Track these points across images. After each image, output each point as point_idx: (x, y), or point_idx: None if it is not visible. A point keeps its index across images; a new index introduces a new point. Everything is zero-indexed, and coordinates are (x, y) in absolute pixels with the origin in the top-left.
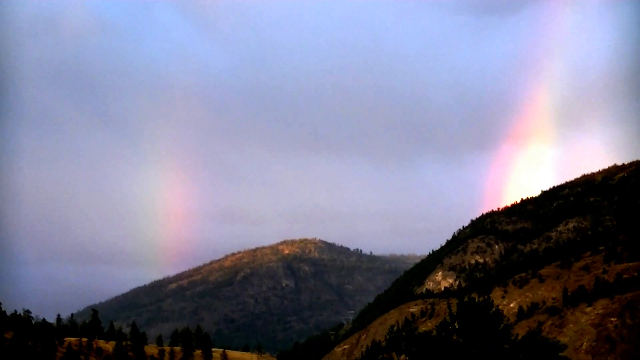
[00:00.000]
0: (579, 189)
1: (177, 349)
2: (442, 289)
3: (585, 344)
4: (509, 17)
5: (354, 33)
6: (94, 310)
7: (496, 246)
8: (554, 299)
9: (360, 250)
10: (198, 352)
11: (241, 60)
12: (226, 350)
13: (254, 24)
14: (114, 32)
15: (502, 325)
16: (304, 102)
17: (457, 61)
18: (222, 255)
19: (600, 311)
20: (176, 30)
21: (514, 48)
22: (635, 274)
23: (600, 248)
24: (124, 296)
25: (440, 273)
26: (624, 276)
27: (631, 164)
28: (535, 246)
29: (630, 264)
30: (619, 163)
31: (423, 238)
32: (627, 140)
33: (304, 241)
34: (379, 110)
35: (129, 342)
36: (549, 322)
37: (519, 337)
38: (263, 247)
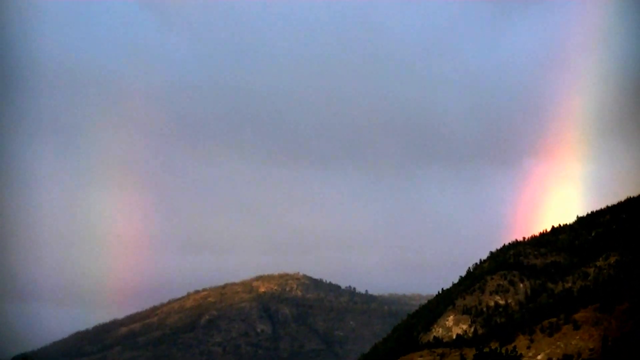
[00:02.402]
0: (624, 215)
1: None
2: (454, 336)
3: None
4: (534, 3)
5: (346, 26)
6: None
7: (521, 284)
8: (591, 349)
9: (354, 289)
10: None
11: (211, 58)
12: None
13: (229, 15)
14: (51, 21)
15: None
16: (287, 107)
17: (470, 58)
18: (183, 294)
19: None
20: (134, 22)
21: (540, 42)
22: None
23: None
24: (63, 342)
25: (451, 317)
26: None
27: None
28: (569, 285)
29: None
30: None
31: (430, 274)
32: None
33: (284, 276)
34: (377, 118)
35: None
36: None
37: None
38: (234, 284)
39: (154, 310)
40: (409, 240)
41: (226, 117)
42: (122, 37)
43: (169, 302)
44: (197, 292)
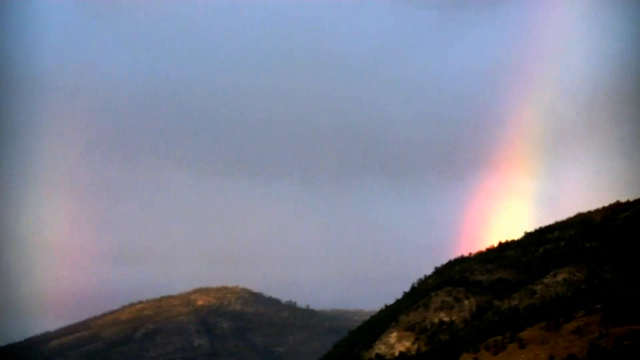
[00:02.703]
0: (572, 232)
1: None
2: (397, 353)
3: None
4: (488, 11)
5: (291, 31)
6: None
7: (466, 301)
8: None
9: (295, 303)
10: None
11: (150, 61)
12: None
13: (169, 18)
14: None
15: None
16: (227, 115)
17: (421, 67)
18: (118, 306)
19: None
20: (68, 22)
21: (494, 52)
22: None
23: (597, 306)
24: None
25: (394, 334)
26: (625, 342)
27: (638, 202)
28: (516, 302)
29: (634, 327)
30: (623, 200)
31: (373, 289)
32: (635, 172)
33: (223, 290)
34: (321, 127)
35: None
36: None
37: None
38: (170, 297)
39: (87, 322)
40: (352, 254)
41: (165, 125)
42: (56, 38)
43: (103, 315)
44: (132, 304)
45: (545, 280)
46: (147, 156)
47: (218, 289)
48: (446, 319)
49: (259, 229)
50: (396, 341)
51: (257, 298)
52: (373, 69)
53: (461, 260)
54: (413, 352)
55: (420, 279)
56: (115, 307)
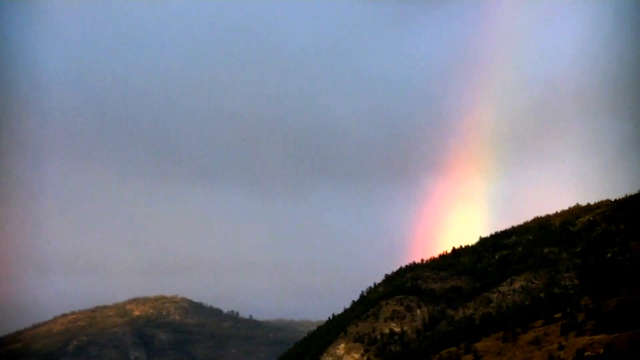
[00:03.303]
0: (530, 237)
1: None
2: None
3: None
4: (439, 6)
5: (228, 26)
6: None
7: (418, 310)
8: None
9: (237, 313)
10: None
11: (83, 63)
12: None
13: (94, 12)
14: None
15: None
16: (164, 114)
17: (371, 64)
18: (49, 317)
19: None
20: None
21: (446, 48)
22: (601, 350)
23: (557, 315)
24: None
25: (342, 345)
26: (587, 353)
27: (599, 205)
28: (471, 311)
29: (595, 337)
30: (584, 203)
31: (321, 298)
32: (595, 173)
33: (162, 299)
34: (264, 128)
35: None
36: None
37: None
38: (105, 307)
39: (16, 335)
40: (299, 263)
41: (100, 129)
42: None
43: (34, 327)
44: (64, 315)
45: (502, 288)
46: (81, 162)
47: (156, 299)
48: (397, 329)
49: (202, 237)
50: (344, 353)
51: (197, 308)
52: (321, 67)
53: (413, 267)
54: None
55: (370, 287)
56: (47, 318)
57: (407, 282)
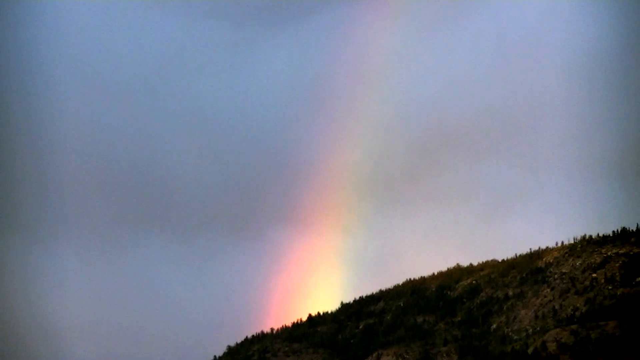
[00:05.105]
0: (401, 303)
1: None
2: None
3: None
4: (292, 25)
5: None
6: None
7: None
8: None
9: None
10: None
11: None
12: None
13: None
14: None
15: None
16: None
17: (208, 95)
18: None
19: None
20: None
21: (299, 75)
22: None
23: None
24: None
25: None
26: None
27: (483, 266)
28: None
29: None
30: (465, 263)
31: None
32: (476, 227)
33: None
34: (86, 171)
35: None
36: None
37: None
38: None
39: None
40: (125, 331)
41: None
42: None
43: None
44: None
45: None
46: None
47: None
48: None
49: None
50: None
51: None
52: (146, 96)
53: (261, 337)
54: None
55: None
56: None
57: (253, 355)
